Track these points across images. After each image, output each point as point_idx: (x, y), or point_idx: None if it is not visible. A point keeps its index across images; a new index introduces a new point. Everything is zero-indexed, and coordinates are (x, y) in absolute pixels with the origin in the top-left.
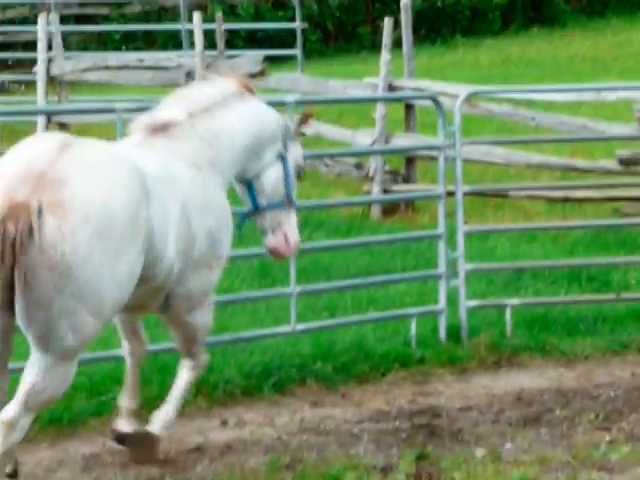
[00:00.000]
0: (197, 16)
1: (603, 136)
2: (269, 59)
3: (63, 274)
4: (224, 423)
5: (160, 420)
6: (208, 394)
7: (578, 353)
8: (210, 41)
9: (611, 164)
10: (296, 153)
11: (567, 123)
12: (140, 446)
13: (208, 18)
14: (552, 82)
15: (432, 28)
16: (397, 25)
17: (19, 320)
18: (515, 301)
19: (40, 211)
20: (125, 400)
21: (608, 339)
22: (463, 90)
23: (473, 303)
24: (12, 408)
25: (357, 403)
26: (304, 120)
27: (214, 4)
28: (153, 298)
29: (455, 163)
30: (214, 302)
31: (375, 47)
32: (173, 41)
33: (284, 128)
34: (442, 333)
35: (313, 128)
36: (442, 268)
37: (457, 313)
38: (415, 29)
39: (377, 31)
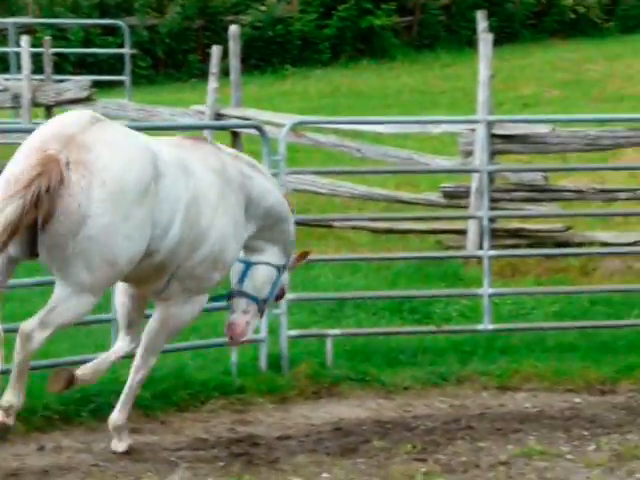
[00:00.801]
0: (25, 39)
1: (428, 169)
2: (98, 84)
3: (77, 222)
4: (41, 448)
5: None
6: (26, 419)
7: (398, 384)
8: (40, 65)
9: (435, 197)
10: (285, 280)
11: (393, 155)
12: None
13: (37, 42)
14: (380, 114)
15: (262, 57)
16: (227, 53)
17: (41, 256)
18: (336, 331)
19: (67, 165)
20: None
21: (428, 371)
22: (289, 120)
23: (294, 332)
24: (30, 321)
25: (176, 430)
26: (302, 257)
27: (44, 28)
28: (156, 277)
29: None
30: None
31: (205, 75)
32: (2, 64)
33: (289, 257)
34: (263, 362)
35: None
36: None
37: (278, 342)
38: (245, 58)
39: (207, 59)
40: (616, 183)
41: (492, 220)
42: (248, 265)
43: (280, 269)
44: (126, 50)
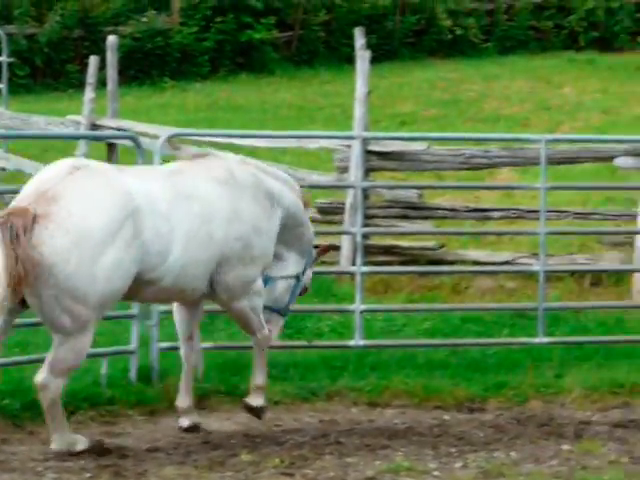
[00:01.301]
0: None
1: (303, 184)
2: None
3: (45, 271)
4: None
5: (256, 390)
6: None
7: (268, 398)
8: None
9: (310, 212)
10: (309, 277)
11: None
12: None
13: None
14: (258, 128)
15: (141, 69)
16: (105, 64)
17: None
18: (207, 344)
19: (34, 217)
20: (180, 400)
21: (298, 385)
22: (164, 131)
23: (165, 345)
24: (41, 373)
25: (44, 441)
26: (324, 251)
27: None
28: (191, 295)
29: None
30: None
31: (83, 85)
32: None
33: (310, 255)
34: (133, 374)
35: (13, 163)
36: (136, 309)
37: (149, 354)
38: (124, 69)
39: (85, 69)
40: (490, 202)
41: (366, 236)
42: (266, 281)
43: (299, 276)
44: (3, 58)
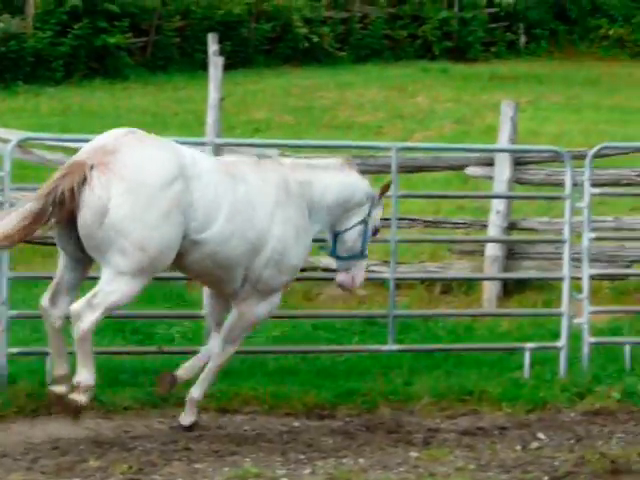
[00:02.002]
0: None
1: None
2: None
3: (100, 212)
4: None
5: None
6: None
7: (117, 404)
8: None
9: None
10: (376, 216)
11: None
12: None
13: None
14: None
15: None
16: None
17: (87, 250)
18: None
19: (91, 167)
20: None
21: (148, 391)
22: (15, 135)
23: (15, 350)
24: (79, 303)
25: None
26: (385, 189)
27: None
28: (227, 278)
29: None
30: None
31: None
32: None
33: (371, 198)
34: None
35: None
36: None
37: None
38: None
39: None
40: None
41: None
42: (335, 235)
43: (366, 220)
44: None
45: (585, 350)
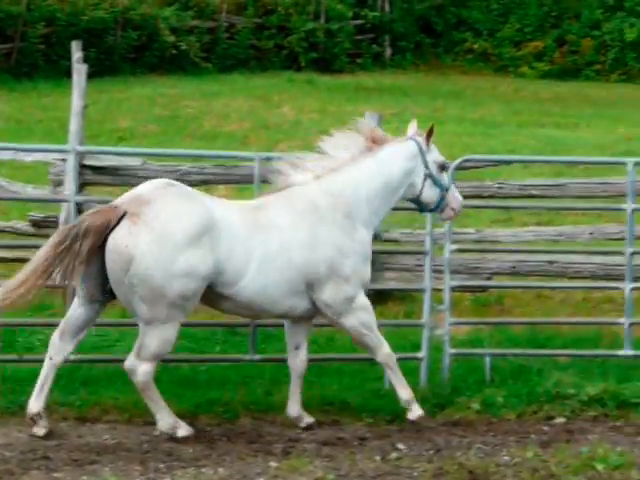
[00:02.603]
0: None
1: (15, 197)
2: None
3: (126, 260)
4: None
5: (407, 404)
6: None
7: None
8: None
9: (23, 225)
10: (434, 157)
11: None
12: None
13: None
14: None
15: None
16: None
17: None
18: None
19: (124, 214)
20: (290, 408)
21: (8, 400)
22: None
23: None
24: (129, 359)
25: None
26: (430, 132)
27: None
28: (281, 311)
29: None
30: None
31: None
32: None
33: (419, 152)
34: None
35: None
36: None
37: None
38: None
39: None
40: None
41: None
42: (415, 202)
43: (427, 173)
44: None
45: (446, 361)
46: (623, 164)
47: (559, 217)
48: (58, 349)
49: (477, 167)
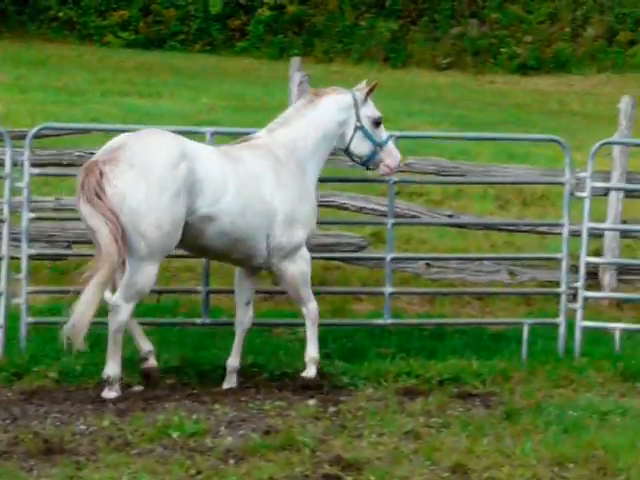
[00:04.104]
0: None
1: None
2: None
3: (119, 200)
4: None
5: (310, 362)
6: None
7: None
8: None
9: None
10: (368, 112)
11: None
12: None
13: None
14: None
15: None
16: None
17: None
18: None
19: (104, 163)
20: (231, 360)
21: None
22: None
23: None
24: (116, 295)
25: None
26: (372, 88)
27: None
28: (250, 253)
29: None
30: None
31: None
32: None
33: (353, 105)
34: None
35: None
36: None
37: None
38: None
39: None
40: None
41: None
42: (347, 154)
43: (358, 125)
44: None
45: (23, 330)
46: (202, 133)
47: None
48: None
49: (57, 135)
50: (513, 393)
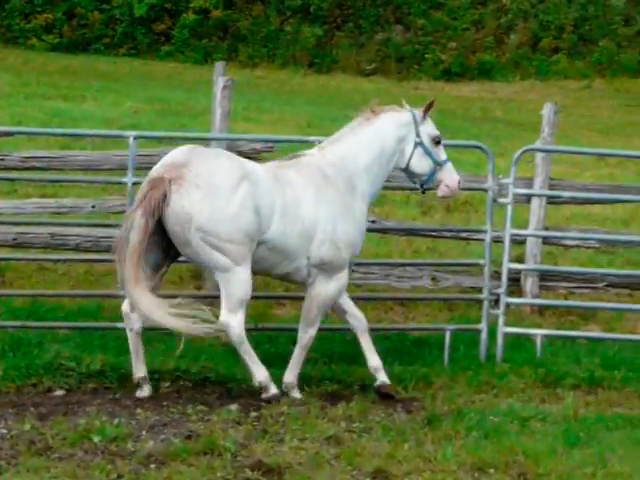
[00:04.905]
0: None
1: None
2: None
3: (186, 219)
4: None
5: (287, 387)
6: None
7: None
8: None
9: None
10: (428, 129)
11: None
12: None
13: None
14: None
15: None
16: None
17: (186, 257)
18: None
19: (170, 182)
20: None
21: None
22: None
23: None
24: (222, 315)
25: None
26: (430, 105)
27: None
28: (294, 270)
29: None
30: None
31: None
32: None
33: (412, 122)
34: None
35: None
36: None
37: None
38: None
39: None
40: None
41: None
42: (406, 172)
43: (418, 142)
44: None
45: None
46: (125, 137)
47: (64, 189)
48: (133, 319)
49: None
50: (435, 399)
